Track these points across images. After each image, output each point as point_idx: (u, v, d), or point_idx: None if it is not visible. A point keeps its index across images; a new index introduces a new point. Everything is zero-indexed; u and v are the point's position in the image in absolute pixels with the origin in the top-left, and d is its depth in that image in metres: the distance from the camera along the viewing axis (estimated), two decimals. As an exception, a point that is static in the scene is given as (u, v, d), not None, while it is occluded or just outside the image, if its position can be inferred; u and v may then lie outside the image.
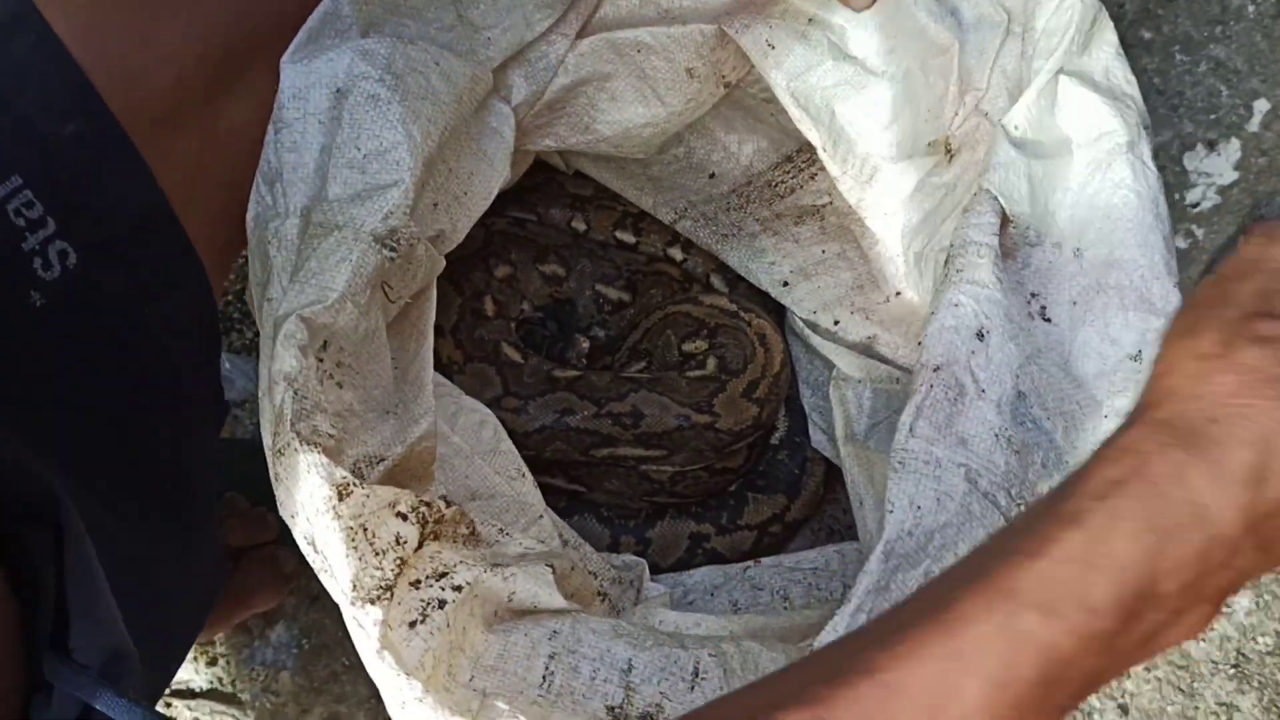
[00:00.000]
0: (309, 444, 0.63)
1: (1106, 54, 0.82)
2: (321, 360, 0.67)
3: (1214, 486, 0.41)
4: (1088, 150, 0.79)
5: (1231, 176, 1.09)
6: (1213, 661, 1.03)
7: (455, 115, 0.76)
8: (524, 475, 0.83)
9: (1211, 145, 1.09)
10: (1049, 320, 0.79)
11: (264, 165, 0.72)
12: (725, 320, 0.94)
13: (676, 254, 1.02)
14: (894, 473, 0.71)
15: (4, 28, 0.66)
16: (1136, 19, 1.11)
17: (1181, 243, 1.08)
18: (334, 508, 0.62)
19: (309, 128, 0.72)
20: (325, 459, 0.63)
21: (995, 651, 0.40)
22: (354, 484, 0.63)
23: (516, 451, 0.85)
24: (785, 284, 0.97)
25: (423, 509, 0.65)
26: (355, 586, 0.62)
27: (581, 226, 1.02)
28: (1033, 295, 0.80)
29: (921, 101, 0.82)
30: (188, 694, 1.06)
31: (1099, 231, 0.78)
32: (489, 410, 0.86)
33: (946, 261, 0.79)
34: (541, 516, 0.82)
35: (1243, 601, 1.03)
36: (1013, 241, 0.80)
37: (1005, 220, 0.80)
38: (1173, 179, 1.09)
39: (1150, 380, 0.45)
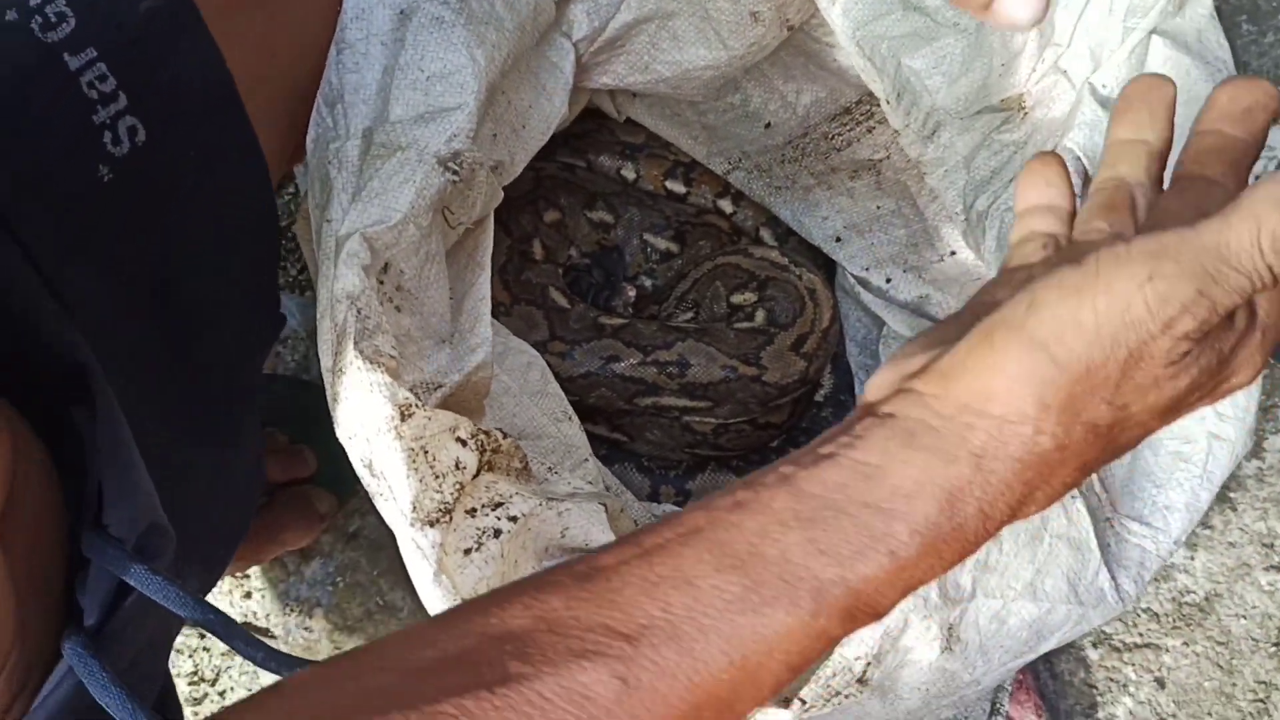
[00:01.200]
0: (372, 363, 0.63)
1: (1201, 16, 0.80)
2: (382, 283, 0.67)
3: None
4: (1177, 112, 0.79)
5: (1295, 150, 1.07)
6: (1253, 639, 1.02)
7: (517, 43, 0.75)
8: (570, 418, 0.83)
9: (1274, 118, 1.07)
10: None
11: (325, 86, 0.71)
12: (775, 273, 0.93)
13: (726, 206, 1.01)
14: None
15: None
16: (1204, -15, 1.09)
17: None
18: (396, 428, 0.62)
19: (371, 48, 0.71)
20: (389, 378, 0.62)
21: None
22: (416, 405, 0.62)
23: (563, 394, 0.84)
24: (838, 239, 0.96)
25: (481, 437, 0.65)
26: (415, 508, 0.61)
27: (631, 175, 1.01)
28: None
29: (996, 56, 0.81)
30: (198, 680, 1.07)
31: None
32: (536, 352, 0.86)
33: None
34: (587, 460, 0.82)
35: (1285, 580, 1.02)
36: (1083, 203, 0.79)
37: (1086, 180, 0.78)
38: (1234, 150, 1.08)
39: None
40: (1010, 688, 1.01)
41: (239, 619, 1.07)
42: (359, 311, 0.64)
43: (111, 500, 0.60)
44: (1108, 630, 1.03)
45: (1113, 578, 0.71)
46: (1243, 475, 1.02)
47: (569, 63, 0.82)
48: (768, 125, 0.96)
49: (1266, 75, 1.08)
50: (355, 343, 0.63)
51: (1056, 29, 0.80)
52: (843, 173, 0.96)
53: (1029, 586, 0.68)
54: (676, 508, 0.89)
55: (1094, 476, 0.71)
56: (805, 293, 0.92)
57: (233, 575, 1.06)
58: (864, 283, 0.95)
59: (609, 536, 0.68)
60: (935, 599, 0.66)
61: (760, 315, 0.92)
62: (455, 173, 0.69)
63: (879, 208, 0.96)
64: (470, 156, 0.70)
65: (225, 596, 1.07)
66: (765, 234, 1.01)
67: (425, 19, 0.70)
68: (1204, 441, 0.73)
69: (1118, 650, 1.03)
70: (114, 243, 0.68)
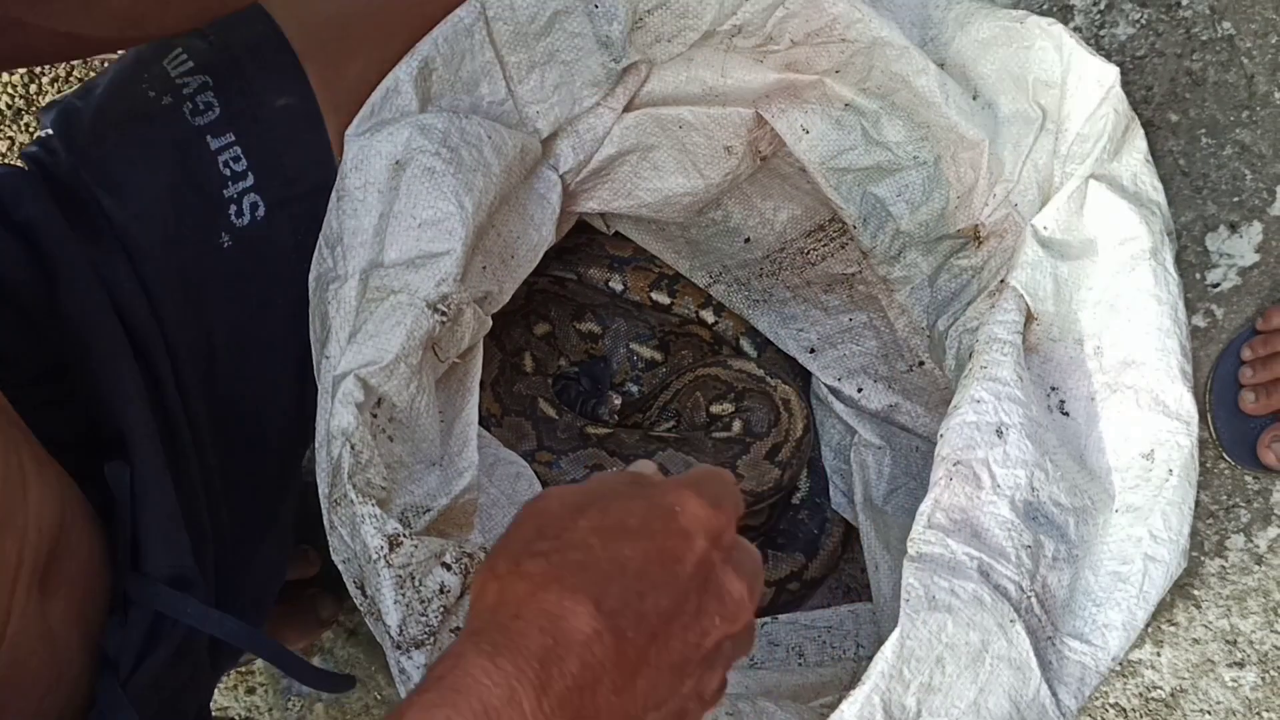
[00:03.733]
0: (364, 496, 0.68)
1: (1136, 161, 0.85)
2: (375, 416, 0.73)
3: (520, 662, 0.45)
4: (1113, 253, 0.82)
5: (1253, 258, 1.12)
6: (1217, 734, 1.05)
7: (505, 184, 0.81)
8: None
9: (1234, 227, 1.12)
10: (1067, 414, 0.82)
11: (326, 229, 0.78)
12: (752, 384, 0.98)
13: (709, 316, 1.06)
14: (911, 562, 0.73)
15: (240, 15, 0.79)
16: (1164, 102, 1.14)
17: (1201, 322, 1.10)
18: (385, 557, 0.67)
19: (369, 196, 0.77)
20: (379, 510, 0.68)
21: None
22: (403, 535, 0.68)
23: None
24: (811, 350, 1.01)
25: (465, 560, 0.70)
26: (402, 631, 0.67)
27: (619, 287, 1.07)
28: (1053, 389, 0.83)
29: (952, 189, 0.87)
30: None
31: (1119, 332, 0.81)
32: (524, 462, 0.91)
33: (972, 355, 0.81)
34: None
35: (1249, 676, 1.05)
36: (1036, 338, 0.83)
37: (1030, 317, 0.82)
38: (1194, 259, 1.12)
39: (471, 605, 0.50)
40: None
41: (242, 714, 1.11)
42: (352, 447, 0.69)
43: (150, 549, 0.67)
44: (1077, 725, 1.07)
45: (1054, 694, 0.73)
46: (1206, 574, 1.06)
47: (556, 194, 0.88)
48: (747, 240, 1.02)
49: (1224, 188, 1.13)
50: (349, 476, 0.69)
51: (1006, 166, 0.86)
52: (817, 286, 1.01)
53: (972, 705, 0.71)
54: None
55: (1033, 598, 0.74)
56: (780, 403, 0.97)
57: (236, 670, 1.11)
58: (836, 392, 1.00)
59: None
60: None
61: (737, 425, 0.97)
62: (443, 314, 0.75)
63: (850, 320, 1.01)
64: (457, 298, 0.75)
65: (230, 691, 1.11)
66: (745, 343, 1.06)
67: (418, 169, 0.76)
68: (1140, 563, 0.76)
69: (1087, 745, 1.06)
70: (222, 303, 0.79)
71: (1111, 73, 0.83)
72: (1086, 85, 0.84)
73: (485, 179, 0.78)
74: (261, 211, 0.79)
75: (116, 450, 0.71)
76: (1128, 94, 1.14)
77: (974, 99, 0.86)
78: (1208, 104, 1.14)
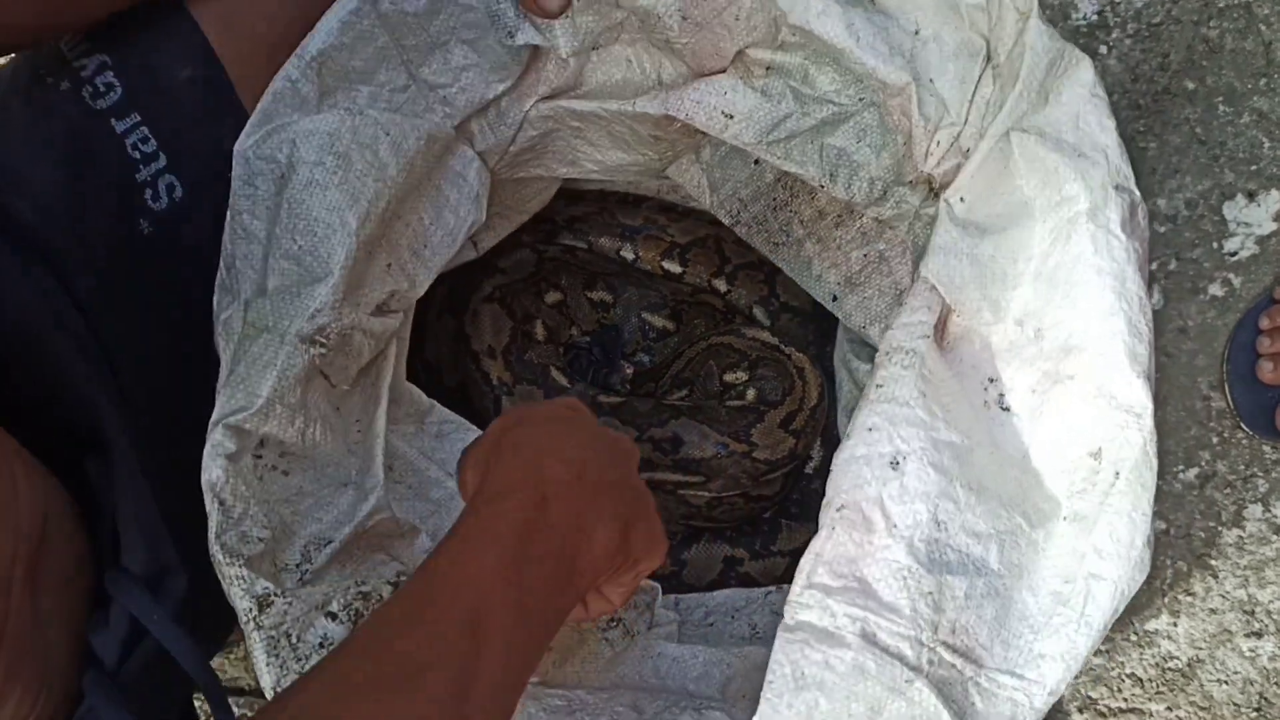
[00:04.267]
0: (232, 556, 0.67)
1: (1078, 97, 0.74)
2: (260, 456, 0.70)
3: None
4: (1049, 217, 0.72)
5: (1270, 227, 1.11)
6: (1234, 704, 1.04)
7: (406, 181, 0.76)
8: None
9: (1251, 195, 1.11)
10: (1007, 409, 0.73)
11: (224, 250, 0.74)
12: (766, 353, 0.97)
13: (721, 285, 1.06)
14: (783, 632, 0.67)
15: None
16: (1181, 69, 1.13)
17: (1218, 291, 1.09)
18: (255, 619, 0.66)
19: (257, 215, 0.73)
20: (246, 571, 0.66)
21: (480, 534, 0.57)
22: (274, 595, 0.66)
23: None
24: (835, 298, 0.98)
25: (357, 603, 0.68)
26: (275, 689, 0.65)
27: (630, 256, 1.06)
28: (990, 381, 0.73)
29: (898, 132, 0.80)
30: (236, 691, 1.10)
31: (1058, 312, 0.71)
32: (476, 431, 0.88)
33: (873, 369, 0.74)
34: None
35: (1267, 646, 1.04)
36: (962, 326, 0.74)
37: (948, 310, 0.74)
38: (1211, 228, 1.11)
39: (462, 490, 0.66)
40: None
41: (252, 684, 1.10)
42: (221, 503, 0.67)
43: (128, 542, 0.66)
44: (1093, 695, 1.06)
45: None
46: (1223, 543, 1.05)
47: (474, 171, 0.82)
48: (757, 162, 0.98)
49: (1242, 156, 1.12)
50: (217, 535, 0.67)
51: (951, 108, 0.77)
52: (829, 218, 0.97)
53: None
54: (652, 583, 0.90)
55: (939, 648, 0.66)
56: (794, 372, 0.96)
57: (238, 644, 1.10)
58: (866, 339, 0.96)
59: None
60: None
61: (751, 393, 0.96)
62: (322, 345, 0.71)
63: (865, 255, 0.96)
64: (336, 326, 0.71)
65: (240, 663, 1.11)
66: (758, 312, 1.05)
67: (300, 184, 0.72)
68: (1082, 582, 0.67)
69: (1103, 715, 1.06)
70: (152, 291, 0.75)
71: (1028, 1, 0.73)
72: (1006, 14, 0.74)
73: (379, 182, 0.74)
74: (180, 193, 0.76)
75: (89, 446, 0.70)
76: (1144, 61, 1.13)
77: (915, 34, 0.76)
78: (1225, 71, 1.12)
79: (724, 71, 0.81)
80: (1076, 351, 0.70)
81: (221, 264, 0.74)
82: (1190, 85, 1.13)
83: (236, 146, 0.74)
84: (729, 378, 0.97)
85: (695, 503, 0.97)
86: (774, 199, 0.99)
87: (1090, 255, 0.70)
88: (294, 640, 0.67)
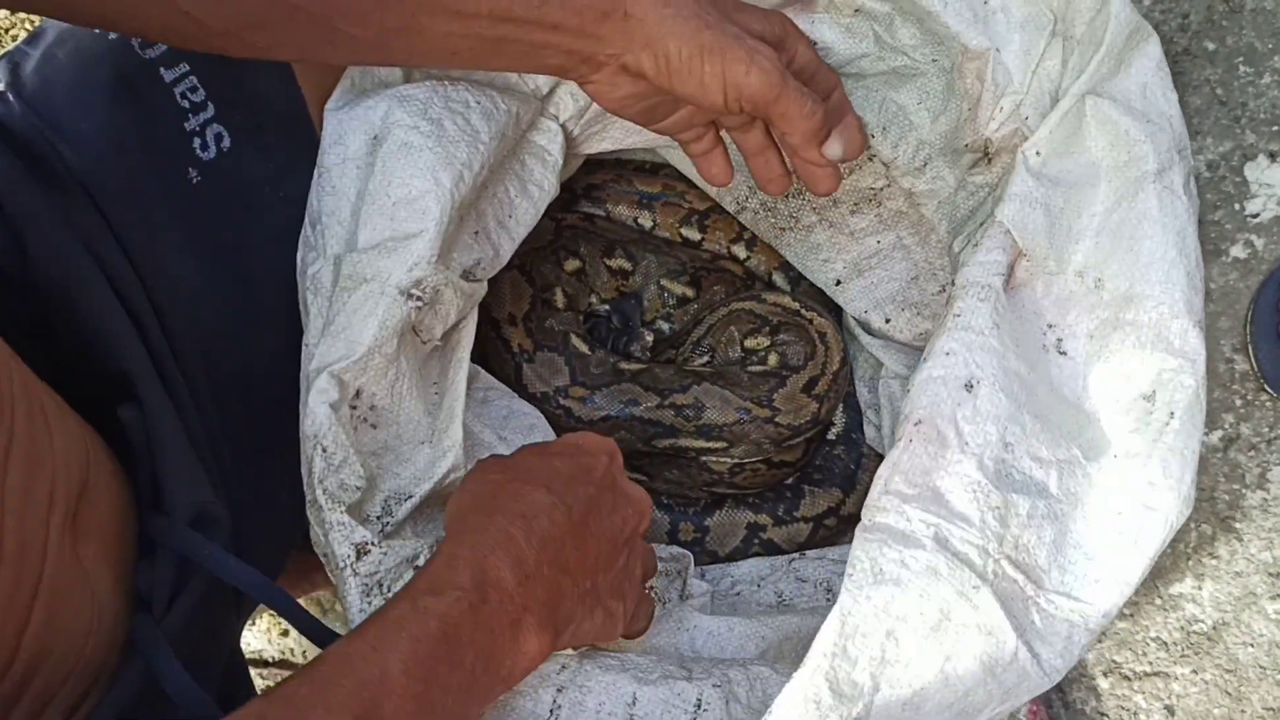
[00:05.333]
0: (334, 502, 0.68)
1: (1147, 70, 0.79)
2: (355, 408, 0.72)
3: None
4: (1115, 176, 0.77)
5: (1293, 188, 1.10)
6: (1260, 666, 1.04)
7: (497, 150, 0.78)
8: None
9: (1273, 156, 1.10)
10: (1064, 353, 0.77)
11: (309, 207, 0.75)
12: (787, 318, 0.97)
13: (740, 251, 1.05)
14: (862, 532, 0.70)
15: None
16: (1200, 29, 1.12)
17: (1240, 253, 1.09)
18: (352, 565, 0.68)
19: (347, 173, 0.74)
20: (347, 518, 0.68)
21: (406, 625, 0.56)
22: (371, 544, 0.68)
23: None
24: (838, 282, 0.99)
25: None
26: None
27: (648, 223, 1.05)
28: (1049, 326, 0.78)
29: (965, 99, 0.83)
30: (260, 663, 1.10)
31: (1121, 264, 0.76)
32: (539, 414, 0.90)
33: (948, 301, 0.77)
34: None
35: (1292, 609, 1.04)
36: (1028, 273, 0.79)
37: (1019, 254, 0.78)
38: (1233, 189, 1.10)
39: (447, 524, 0.65)
40: (1024, 717, 1.03)
41: (277, 656, 1.10)
42: (324, 449, 0.69)
43: (168, 486, 0.67)
44: (1118, 659, 1.06)
45: (1034, 654, 0.69)
46: (1248, 506, 1.05)
47: (557, 145, 0.85)
48: None
49: (1263, 117, 1.11)
50: (319, 480, 0.69)
51: (1015, 76, 0.80)
52: (844, 206, 0.98)
53: (940, 674, 0.67)
54: (684, 551, 0.91)
55: (1004, 561, 0.70)
56: (816, 336, 0.96)
57: (270, 614, 1.10)
58: (864, 325, 0.98)
59: None
60: (828, 700, 0.66)
61: (773, 359, 0.95)
62: (419, 299, 0.73)
63: (879, 243, 0.98)
64: (432, 281, 0.73)
65: (264, 634, 1.11)
66: (778, 278, 1.04)
67: (394, 145, 0.73)
68: (1136, 513, 0.72)
69: (1128, 679, 1.06)
70: (198, 240, 0.76)
71: None
72: None
73: (470, 149, 0.75)
74: (227, 142, 0.77)
75: (125, 395, 0.70)
76: (1164, 21, 1.12)
77: (986, 3, 0.80)
78: (1245, 32, 1.11)
79: (813, 1, 0.84)
80: (1137, 300, 0.75)
81: (306, 220, 0.75)
82: (1210, 46, 1.12)
83: (327, 107, 0.75)
84: (750, 343, 0.97)
85: (718, 469, 0.97)
86: None
87: (1156, 212, 0.75)
88: (385, 590, 0.68)
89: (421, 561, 0.70)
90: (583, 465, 0.67)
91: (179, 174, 0.76)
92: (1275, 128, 1.10)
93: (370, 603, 0.68)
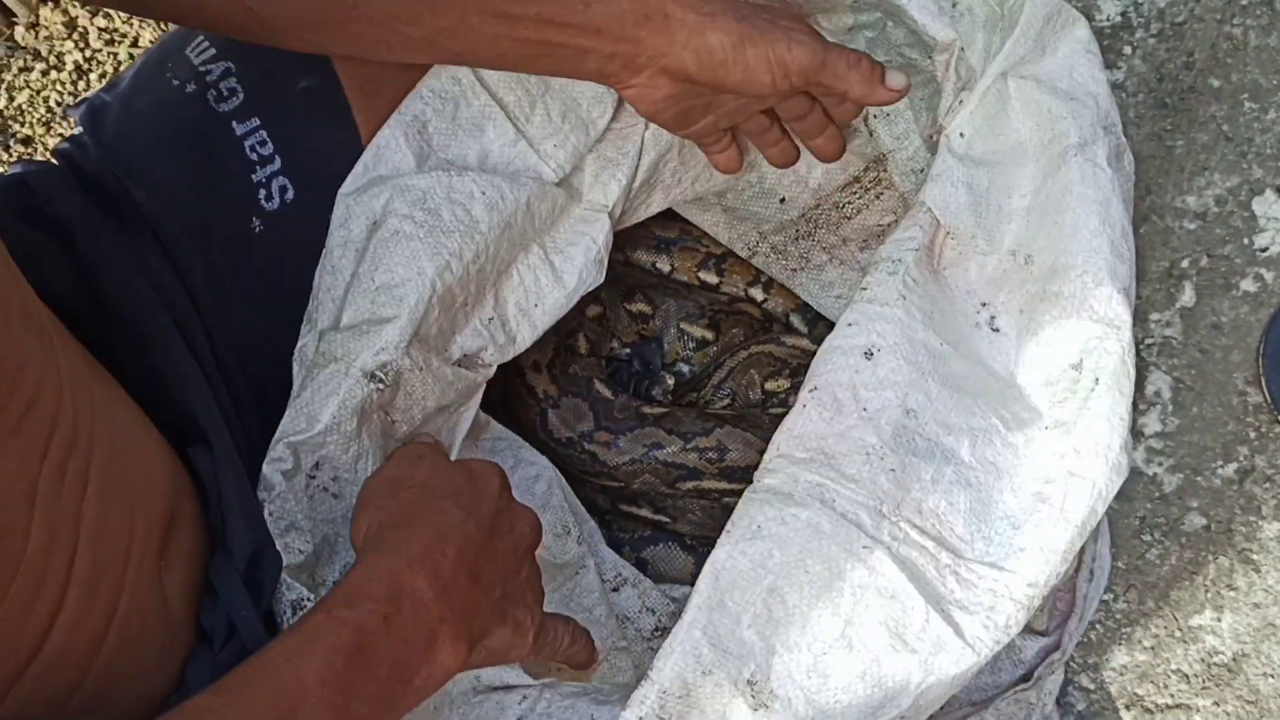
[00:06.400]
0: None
1: (1074, 51, 0.81)
2: (314, 477, 0.74)
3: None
4: (1041, 155, 0.79)
5: (1300, 221, 1.12)
6: (1281, 697, 1.05)
7: (502, 238, 0.80)
8: (568, 532, 0.88)
9: (1280, 191, 1.12)
10: (997, 330, 0.78)
11: (314, 282, 0.79)
12: (806, 360, 0.98)
13: (758, 294, 1.06)
14: (748, 493, 0.71)
15: None
16: (1205, 67, 1.14)
17: (1251, 286, 1.10)
18: (288, 620, 0.70)
19: (347, 255, 0.77)
20: (286, 578, 0.70)
21: (321, 636, 0.57)
22: (308, 600, 0.70)
23: (567, 508, 0.90)
24: None
25: None
26: None
27: (666, 267, 1.07)
28: (983, 305, 0.79)
29: (940, 91, 0.85)
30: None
31: (1047, 238, 0.77)
32: (548, 464, 0.91)
33: (861, 280, 0.78)
34: (580, 571, 0.87)
35: (1311, 639, 1.05)
36: (959, 252, 0.79)
37: (945, 234, 0.78)
38: (1242, 224, 1.12)
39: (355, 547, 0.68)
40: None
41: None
42: (271, 514, 0.71)
43: (234, 527, 0.70)
44: (1140, 692, 1.06)
45: (954, 625, 0.68)
46: (1264, 538, 1.06)
47: (603, 235, 0.86)
48: (783, 200, 1.01)
49: (1269, 152, 1.12)
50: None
51: (976, 73, 0.82)
52: (854, 243, 1.00)
53: (841, 638, 0.67)
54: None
55: (905, 525, 0.70)
56: (835, 378, 0.97)
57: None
58: None
59: (525, 678, 0.75)
60: (709, 655, 0.66)
61: (793, 401, 0.97)
62: (381, 380, 0.74)
63: None
64: (396, 365, 0.75)
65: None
66: (795, 320, 1.06)
67: (387, 232, 0.76)
68: (1061, 481, 0.72)
69: (1150, 712, 1.06)
70: (259, 287, 0.80)
71: None
72: None
73: (464, 239, 0.77)
74: (291, 195, 0.80)
75: (190, 434, 0.72)
76: (1169, 60, 1.14)
77: (954, 6, 0.82)
78: (1250, 68, 1.13)
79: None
80: (1062, 270, 0.75)
81: (312, 295, 0.77)
82: (1215, 83, 1.14)
83: (340, 191, 0.78)
84: (770, 386, 0.98)
85: (741, 510, 0.98)
86: (796, 231, 1.02)
87: (1078, 184, 0.76)
88: None
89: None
90: (479, 486, 0.70)
91: (244, 223, 0.79)
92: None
93: None
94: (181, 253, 0.78)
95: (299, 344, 0.77)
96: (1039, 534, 0.71)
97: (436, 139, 0.81)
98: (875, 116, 0.88)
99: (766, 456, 0.72)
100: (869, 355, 0.73)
